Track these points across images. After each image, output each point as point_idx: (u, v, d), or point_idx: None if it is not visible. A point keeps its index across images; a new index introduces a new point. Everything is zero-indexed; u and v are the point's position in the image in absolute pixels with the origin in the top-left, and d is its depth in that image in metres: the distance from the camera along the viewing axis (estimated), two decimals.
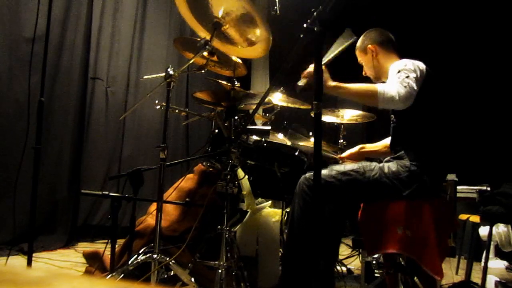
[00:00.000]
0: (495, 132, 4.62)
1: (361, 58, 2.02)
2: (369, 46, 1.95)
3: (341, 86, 1.66)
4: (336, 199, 1.72)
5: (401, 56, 1.92)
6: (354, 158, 2.21)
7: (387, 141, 2.16)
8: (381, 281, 2.21)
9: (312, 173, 1.65)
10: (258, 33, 1.83)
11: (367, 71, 2.01)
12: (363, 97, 1.70)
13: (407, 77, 1.64)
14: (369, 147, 2.22)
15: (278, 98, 2.69)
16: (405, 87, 1.60)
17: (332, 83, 1.65)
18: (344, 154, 2.24)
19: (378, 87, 1.62)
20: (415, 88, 1.62)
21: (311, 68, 1.67)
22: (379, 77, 1.96)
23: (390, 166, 1.71)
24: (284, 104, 2.74)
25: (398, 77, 1.65)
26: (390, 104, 1.63)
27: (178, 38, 2.46)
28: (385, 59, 1.93)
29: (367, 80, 2.03)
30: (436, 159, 1.73)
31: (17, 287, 0.33)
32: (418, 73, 1.69)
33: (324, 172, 1.69)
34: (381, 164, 1.74)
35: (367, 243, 1.69)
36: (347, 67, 2.11)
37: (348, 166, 1.76)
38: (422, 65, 1.75)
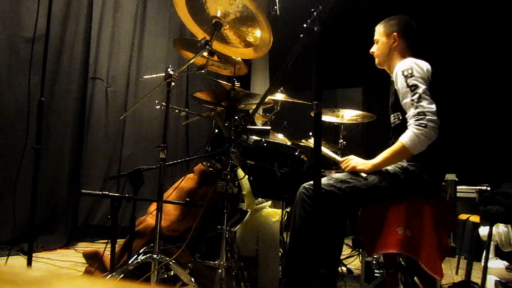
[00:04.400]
0: (495, 132, 4.61)
1: (379, 37, 1.91)
2: (395, 33, 1.86)
3: (377, 163, 1.69)
4: (337, 207, 1.70)
5: (414, 54, 1.85)
6: None
7: None
8: (381, 281, 2.21)
9: (311, 183, 1.66)
10: (258, 33, 1.82)
11: (377, 53, 1.92)
12: (398, 158, 1.70)
13: (419, 98, 1.61)
14: None
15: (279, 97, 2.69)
16: (421, 123, 1.58)
17: (370, 166, 1.69)
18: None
19: (403, 141, 1.61)
20: (432, 107, 1.60)
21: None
22: (382, 64, 1.92)
23: (388, 169, 1.71)
24: (284, 99, 2.72)
25: (412, 102, 1.62)
26: (425, 145, 1.60)
27: (178, 38, 2.46)
28: (398, 53, 1.86)
29: (370, 56, 1.95)
30: (433, 158, 1.72)
31: (17, 287, 0.33)
32: (425, 78, 1.66)
33: (323, 180, 1.67)
34: None
35: (367, 243, 1.69)
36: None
37: (346, 173, 1.75)
38: (426, 66, 1.73)
